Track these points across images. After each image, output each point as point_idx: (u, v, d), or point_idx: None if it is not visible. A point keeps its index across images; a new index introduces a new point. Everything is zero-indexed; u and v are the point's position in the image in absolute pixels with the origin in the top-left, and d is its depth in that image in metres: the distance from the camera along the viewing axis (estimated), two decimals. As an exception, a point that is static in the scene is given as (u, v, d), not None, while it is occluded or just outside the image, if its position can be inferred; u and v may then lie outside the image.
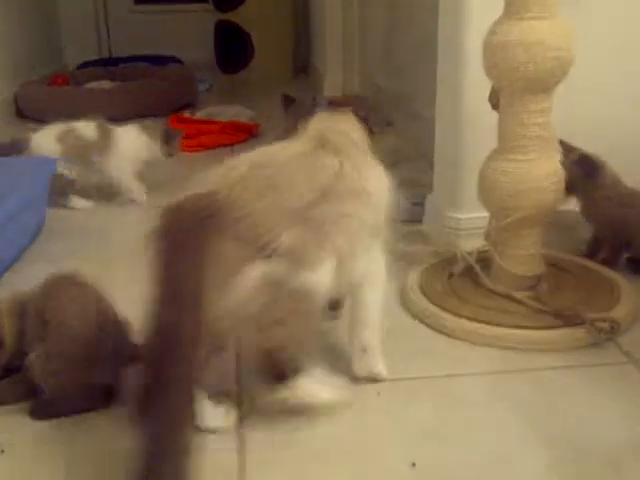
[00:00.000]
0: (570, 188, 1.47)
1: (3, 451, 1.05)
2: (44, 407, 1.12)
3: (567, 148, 1.50)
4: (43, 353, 1.10)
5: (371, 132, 1.21)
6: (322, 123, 1.16)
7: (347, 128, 1.17)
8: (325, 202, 1.03)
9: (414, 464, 1.00)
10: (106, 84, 3.51)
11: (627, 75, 1.62)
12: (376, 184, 1.12)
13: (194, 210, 0.98)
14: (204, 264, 0.95)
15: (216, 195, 0.99)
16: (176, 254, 0.95)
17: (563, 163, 1.47)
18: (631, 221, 1.51)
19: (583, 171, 1.49)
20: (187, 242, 0.96)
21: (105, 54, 4.55)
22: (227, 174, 1.03)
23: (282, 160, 1.07)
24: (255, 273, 0.97)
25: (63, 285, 1.18)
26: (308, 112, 1.21)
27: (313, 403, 1.07)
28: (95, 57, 4.32)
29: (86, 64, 4.03)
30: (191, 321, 0.92)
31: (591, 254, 1.57)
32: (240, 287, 0.97)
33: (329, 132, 1.12)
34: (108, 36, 4.62)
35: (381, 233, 1.15)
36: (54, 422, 1.11)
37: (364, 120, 1.21)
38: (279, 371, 1.01)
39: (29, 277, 1.61)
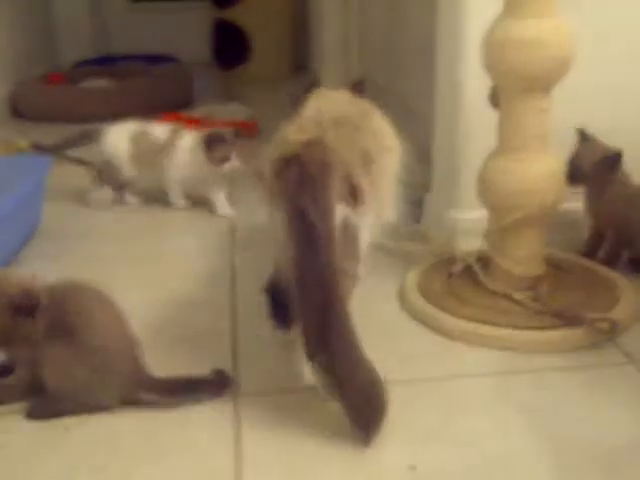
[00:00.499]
0: (579, 178, 1.48)
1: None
2: (43, 407, 1.13)
3: (583, 137, 1.51)
4: (63, 356, 1.10)
5: None
6: (325, 97, 1.27)
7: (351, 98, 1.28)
8: (377, 155, 1.16)
9: (414, 467, 1.00)
10: (102, 83, 3.51)
11: (631, 75, 1.61)
12: (394, 141, 1.23)
13: (314, 158, 1.06)
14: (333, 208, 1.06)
15: (324, 142, 1.08)
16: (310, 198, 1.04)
17: (576, 153, 1.49)
18: (635, 220, 1.51)
19: (606, 163, 1.48)
20: (316, 187, 1.05)
21: (101, 52, 4.54)
22: (318, 123, 1.12)
23: (353, 116, 1.17)
24: (339, 213, 1.08)
25: (87, 294, 1.17)
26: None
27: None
28: (91, 56, 4.31)
29: (82, 63, 4.03)
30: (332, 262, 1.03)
31: (590, 253, 1.57)
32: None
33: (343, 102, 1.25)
34: (105, 34, 4.61)
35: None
36: (50, 422, 1.12)
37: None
38: None
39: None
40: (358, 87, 1.40)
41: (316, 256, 1.03)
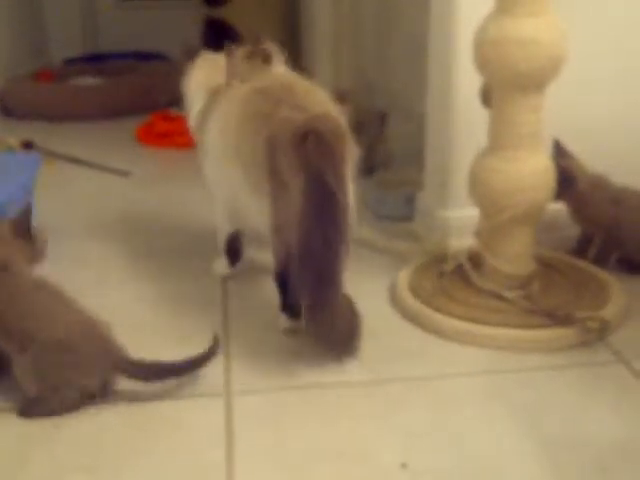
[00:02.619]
0: (570, 194, 1.50)
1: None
2: (33, 406, 1.13)
3: (560, 153, 1.51)
4: (27, 359, 1.11)
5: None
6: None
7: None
8: None
9: (405, 465, 1.00)
10: (92, 80, 3.51)
11: (623, 73, 1.62)
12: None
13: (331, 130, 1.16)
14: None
15: (332, 116, 1.20)
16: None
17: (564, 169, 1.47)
18: (623, 221, 1.52)
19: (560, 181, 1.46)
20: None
21: (91, 50, 4.53)
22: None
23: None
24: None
25: (31, 289, 1.18)
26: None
27: None
28: (81, 53, 4.30)
29: (71, 60, 4.02)
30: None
31: (581, 252, 1.58)
32: None
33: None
34: (94, 32, 4.60)
35: None
36: (39, 421, 1.12)
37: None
38: None
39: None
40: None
41: (333, 226, 1.11)
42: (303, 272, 1.16)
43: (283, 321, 1.34)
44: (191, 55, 1.53)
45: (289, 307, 1.32)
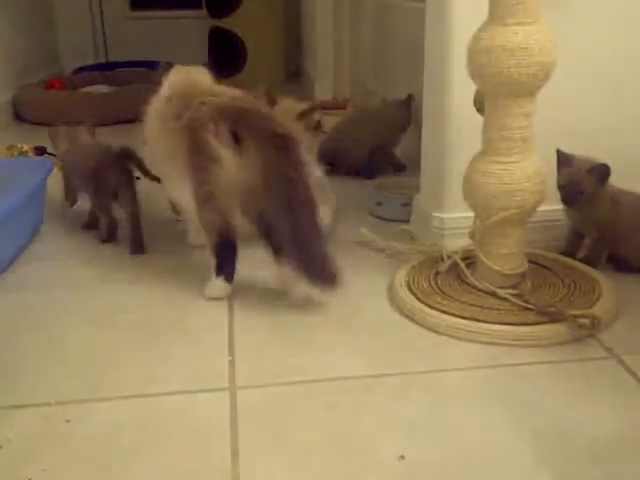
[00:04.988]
0: (579, 199, 1.49)
1: (1, 447, 1.06)
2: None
3: (566, 159, 1.51)
4: None
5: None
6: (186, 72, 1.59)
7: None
8: None
9: (403, 457, 1.01)
10: (103, 88, 3.53)
11: (614, 79, 1.64)
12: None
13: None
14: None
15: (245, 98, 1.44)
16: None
17: (568, 174, 1.49)
18: (620, 221, 1.53)
19: (597, 178, 1.49)
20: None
21: (101, 59, 4.56)
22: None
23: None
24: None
25: None
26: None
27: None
28: (91, 62, 4.34)
29: (82, 69, 4.05)
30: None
31: (571, 253, 1.59)
32: None
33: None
34: (104, 41, 4.63)
35: None
36: (51, 416, 1.13)
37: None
38: None
39: (27, 276, 1.66)
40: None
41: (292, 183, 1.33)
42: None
43: (215, 289, 1.46)
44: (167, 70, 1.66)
45: (226, 273, 1.45)
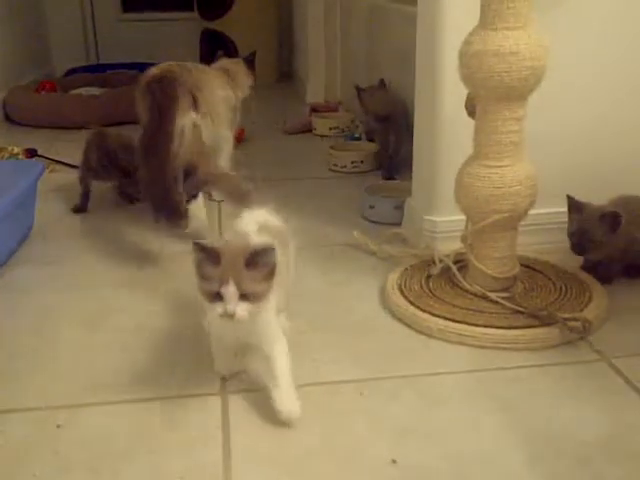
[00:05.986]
0: (589, 246, 1.44)
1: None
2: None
3: (576, 205, 1.46)
4: None
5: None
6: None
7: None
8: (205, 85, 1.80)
9: (394, 461, 1.01)
10: (94, 90, 3.52)
11: (606, 81, 1.64)
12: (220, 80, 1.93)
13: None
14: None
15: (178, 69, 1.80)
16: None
17: (578, 223, 1.45)
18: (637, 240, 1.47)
19: (609, 225, 1.43)
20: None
21: (93, 61, 4.55)
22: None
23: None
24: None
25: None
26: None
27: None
28: (83, 64, 4.33)
29: (74, 70, 4.04)
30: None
31: (588, 268, 1.54)
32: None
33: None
34: (96, 43, 4.63)
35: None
36: (41, 421, 1.13)
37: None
38: None
39: (17, 279, 1.65)
40: (249, 59, 2.08)
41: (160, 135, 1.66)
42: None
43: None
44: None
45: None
